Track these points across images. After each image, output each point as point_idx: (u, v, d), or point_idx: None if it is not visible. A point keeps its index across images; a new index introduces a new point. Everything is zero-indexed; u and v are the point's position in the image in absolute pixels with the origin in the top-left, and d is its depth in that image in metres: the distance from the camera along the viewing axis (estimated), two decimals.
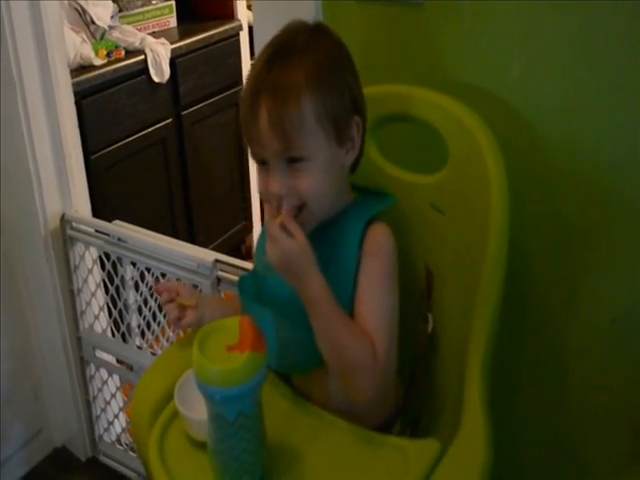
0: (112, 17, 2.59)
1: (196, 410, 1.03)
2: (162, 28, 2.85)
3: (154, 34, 2.72)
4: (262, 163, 1.04)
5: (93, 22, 2.52)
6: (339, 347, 1.00)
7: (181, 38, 2.73)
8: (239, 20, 2.98)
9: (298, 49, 1.02)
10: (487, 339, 1.07)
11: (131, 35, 2.56)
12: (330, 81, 1.02)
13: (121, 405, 2.12)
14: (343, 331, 0.99)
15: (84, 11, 2.50)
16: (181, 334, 1.76)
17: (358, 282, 1.04)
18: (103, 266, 1.90)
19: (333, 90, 1.02)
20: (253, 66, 1.04)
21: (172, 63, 2.62)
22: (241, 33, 2.97)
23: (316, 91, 1.00)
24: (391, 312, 1.05)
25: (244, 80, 1.06)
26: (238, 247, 3.29)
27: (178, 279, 1.71)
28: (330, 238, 1.06)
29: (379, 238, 1.06)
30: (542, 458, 1.38)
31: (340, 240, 1.06)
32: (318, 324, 1.01)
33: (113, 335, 1.99)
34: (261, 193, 1.07)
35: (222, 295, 1.66)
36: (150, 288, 1.81)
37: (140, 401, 1.18)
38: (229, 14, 2.98)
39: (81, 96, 2.23)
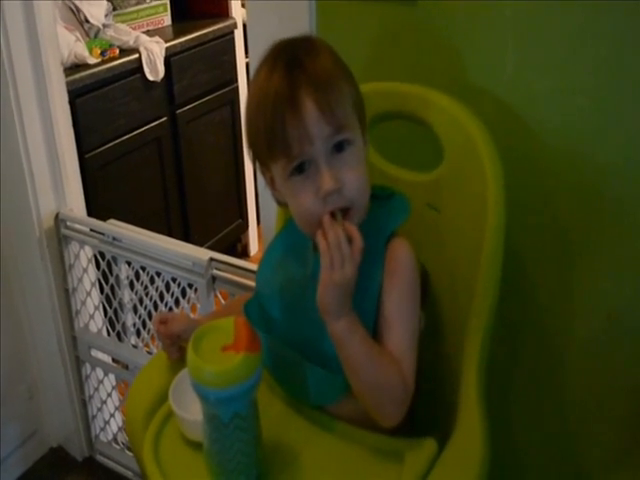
0: (106, 16, 2.58)
1: (191, 410, 1.03)
2: (156, 26, 2.85)
3: (148, 32, 2.71)
4: (300, 170, 0.98)
5: (87, 21, 2.51)
6: (371, 381, 0.97)
7: (176, 36, 2.73)
8: (234, 18, 2.98)
9: (312, 49, 1.00)
10: (484, 337, 1.06)
11: (125, 34, 2.55)
12: (350, 74, 1.03)
13: (117, 404, 2.12)
14: (376, 363, 0.96)
15: (78, 10, 2.49)
16: None
17: (382, 302, 1.01)
18: (98, 265, 1.90)
19: (354, 82, 1.03)
20: (268, 77, 0.98)
21: (167, 62, 2.62)
22: (236, 31, 2.97)
23: (346, 79, 1.01)
24: (416, 334, 1.03)
25: (255, 95, 1.00)
26: (234, 246, 3.28)
27: (174, 278, 1.71)
28: None
29: (401, 255, 1.03)
30: (539, 456, 1.38)
31: (363, 258, 0.99)
32: (348, 357, 0.97)
33: (108, 334, 1.99)
34: (305, 209, 0.99)
35: (218, 294, 1.66)
36: (145, 288, 1.81)
37: (134, 401, 1.17)
38: (224, 12, 2.99)
39: (75, 95, 2.23)
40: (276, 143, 0.97)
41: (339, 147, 0.98)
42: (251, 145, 1.04)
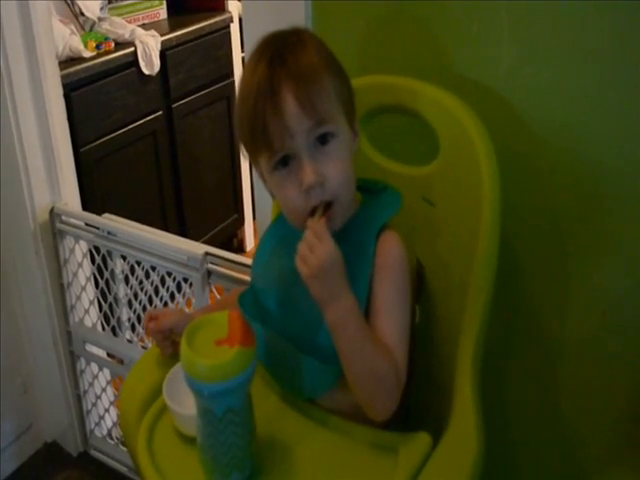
0: (101, 9, 2.58)
1: (185, 405, 1.02)
2: (152, 20, 2.85)
3: (144, 26, 2.71)
4: (284, 164, 0.99)
5: (82, 14, 2.51)
6: (366, 368, 0.96)
7: (171, 30, 2.72)
8: (229, 12, 2.97)
9: (298, 44, 1.00)
10: (478, 331, 1.06)
11: (121, 27, 2.55)
12: (337, 67, 1.03)
13: (112, 399, 2.12)
14: (371, 351, 0.96)
15: (73, 2, 2.49)
16: None
17: (373, 295, 1.01)
18: (93, 260, 1.89)
19: (341, 75, 1.03)
20: (253, 71, 0.99)
21: (162, 55, 2.61)
22: (232, 25, 2.97)
23: (331, 72, 1.00)
24: (407, 327, 1.02)
25: (241, 88, 1.01)
26: (230, 241, 3.28)
27: (169, 273, 1.71)
28: (342, 249, 0.98)
29: (392, 249, 1.03)
30: (535, 453, 1.38)
31: (353, 251, 1.01)
32: (345, 343, 0.97)
33: (103, 329, 1.99)
34: (290, 202, 1.01)
35: (213, 288, 1.65)
36: (140, 282, 1.80)
37: (128, 395, 1.17)
38: (219, 6, 2.98)
39: (70, 88, 2.23)
40: (258, 137, 0.98)
41: (323, 140, 0.98)
42: (239, 138, 1.05)
